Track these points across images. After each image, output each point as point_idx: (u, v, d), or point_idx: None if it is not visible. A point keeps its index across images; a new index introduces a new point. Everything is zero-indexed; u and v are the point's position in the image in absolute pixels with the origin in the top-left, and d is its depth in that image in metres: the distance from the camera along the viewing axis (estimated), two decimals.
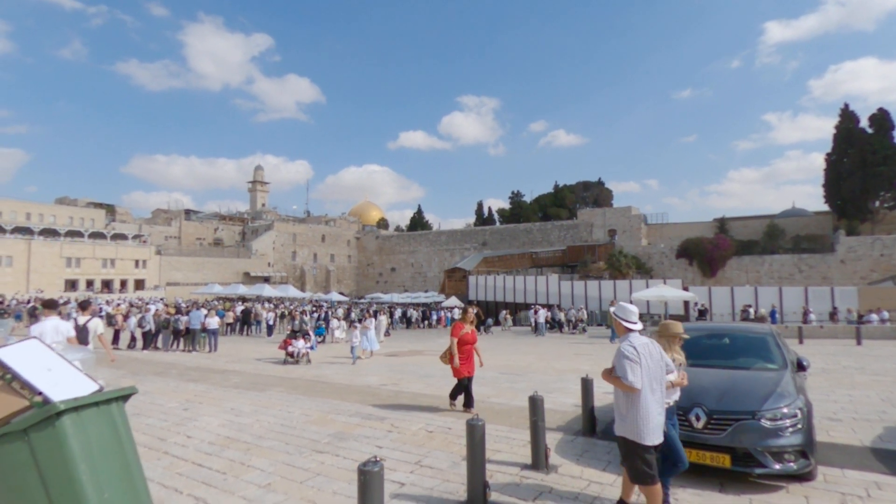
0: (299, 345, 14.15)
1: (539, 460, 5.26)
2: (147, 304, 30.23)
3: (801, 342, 18.64)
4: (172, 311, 21.90)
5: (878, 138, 42.62)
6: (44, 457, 2.35)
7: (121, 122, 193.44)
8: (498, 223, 74.22)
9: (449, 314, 35.14)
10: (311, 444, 6.32)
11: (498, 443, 6.28)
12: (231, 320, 26.30)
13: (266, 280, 56.93)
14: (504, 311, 32.21)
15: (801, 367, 5.57)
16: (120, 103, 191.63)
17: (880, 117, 43.22)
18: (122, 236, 58.50)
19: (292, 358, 13.92)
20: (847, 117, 45.22)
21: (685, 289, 29.25)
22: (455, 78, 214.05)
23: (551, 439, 6.26)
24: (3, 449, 2.40)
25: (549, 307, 31.05)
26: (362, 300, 53.21)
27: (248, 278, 58.07)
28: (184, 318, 18.18)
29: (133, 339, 18.92)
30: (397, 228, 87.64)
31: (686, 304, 27.67)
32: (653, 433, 3.76)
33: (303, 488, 4.87)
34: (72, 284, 51.46)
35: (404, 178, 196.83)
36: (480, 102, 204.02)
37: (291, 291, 45.14)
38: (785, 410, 4.66)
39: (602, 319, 32.00)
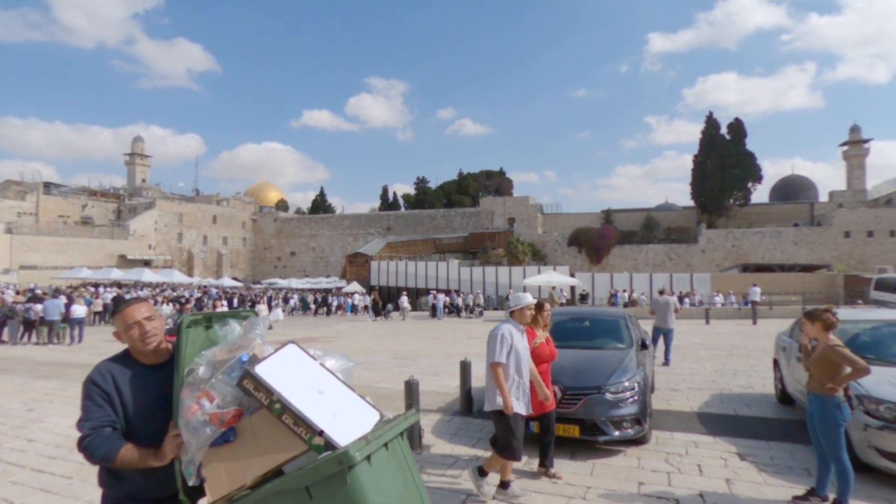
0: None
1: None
2: None
3: None
4: (21, 298, 19.16)
5: (734, 144, 49.05)
6: None
7: None
8: (403, 208, 74.18)
9: (349, 300, 34.64)
10: None
11: None
12: (100, 308, 23.64)
13: (146, 264, 51.72)
14: (403, 296, 31.10)
15: (643, 345, 6.35)
16: None
17: (736, 126, 49.71)
18: None
19: None
20: (711, 124, 51.32)
21: (572, 275, 31.64)
22: (363, 57, 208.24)
23: (430, 420, 6.53)
24: None
25: (448, 292, 31.85)
26: (258, 285, 50.58)
27: (125, 262, 52.28)
28: (37, 307, 16.01)
29: None
30: (298, 211, 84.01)
31: (573, 289, 29.88)
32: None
33: None
34: None
35: (308, 158, 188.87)
36: (389, 85, 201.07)
37: (177, 276, 41.61)
38: (626, 384, 5.29)
39: (498, 304, 33.54)
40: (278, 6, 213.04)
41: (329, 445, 1.66)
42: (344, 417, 1.81)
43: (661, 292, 12.87)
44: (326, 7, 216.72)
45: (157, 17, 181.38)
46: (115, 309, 2.07)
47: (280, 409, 1.72)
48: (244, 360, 1.87)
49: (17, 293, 23.35)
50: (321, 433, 1.68)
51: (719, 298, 29.18)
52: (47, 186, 61.55)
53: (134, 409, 1.97)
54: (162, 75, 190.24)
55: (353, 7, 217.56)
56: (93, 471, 5.14)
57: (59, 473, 4.94)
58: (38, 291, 22.87)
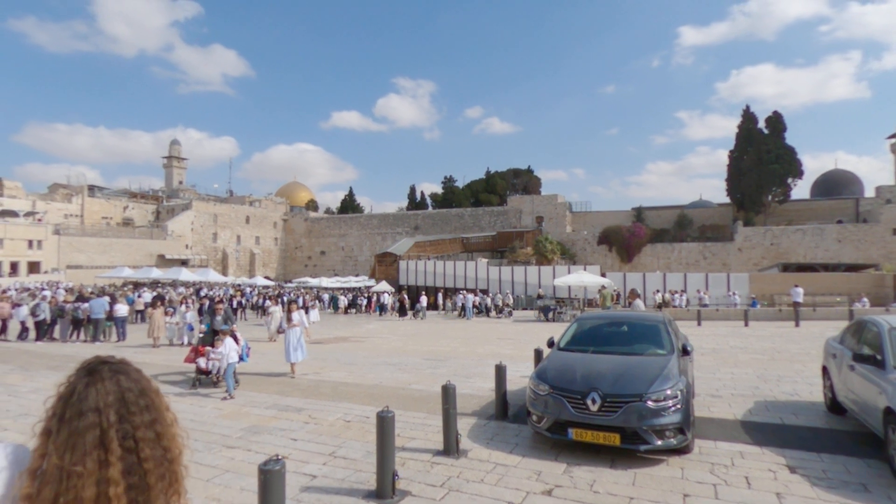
0: (219, 353, 9.15)
1: (450, 446, 5.47)
2: (42, 289, 27.40)
3: (699, 324, 20.49)
4: (70, 297, 20.07)
5: (773, 139, 47.16)
6: None
7: (13, 86, 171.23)
8: (430, 207, 74.39)
9: (380, 299, 34.90)
10: (221, 439, 6.15)
11: (414, 430, 6.44)
12: (141, 307, 24.53)
13: (184, 263, 53.45)
14: (422, 296, 31.33)
15: (685, 351, 6.17)
16: (12, 64, 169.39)
17: (774, 120, 47.77)
18: (12, 213, 52.22)
19: (207, 376, 9.33)
20: (748, 118, 49.48)
21: (603, 274, 31.07)
22: (391, 58, 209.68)
23: (465, 424, 6.52)
24: None
25: (476, 292, 31.78)
26: (290, 284, 51.57)
27: (164, 261, 54.20)
28: (84, 306, 16.74)
29: (25, 329, 17.15)
30: (327, 211, 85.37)
31: (603, 289, 29.27)
32: None
33: (209, 487, 4.75)
34: None
35: (338, 158, 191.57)
36: (417, 85, 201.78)
37: (212, 276, 42.80)
38: (668, 392, 5.16)
39: (527, 304, 33.23)
40: (308, 10, 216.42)
41: None
42: None
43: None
44: (354, 9, 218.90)
45: (195, 25, 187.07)
46: None
47: None
48: None
49: (67, 291, 24.49)
50: None
51: (736, 298, 27.96)
52: (91, 189, 64.28)
53: None
54: (199, 80, 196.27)
55: (381, 9, 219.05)
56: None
57: None
58: (87, 290, 23.90)
